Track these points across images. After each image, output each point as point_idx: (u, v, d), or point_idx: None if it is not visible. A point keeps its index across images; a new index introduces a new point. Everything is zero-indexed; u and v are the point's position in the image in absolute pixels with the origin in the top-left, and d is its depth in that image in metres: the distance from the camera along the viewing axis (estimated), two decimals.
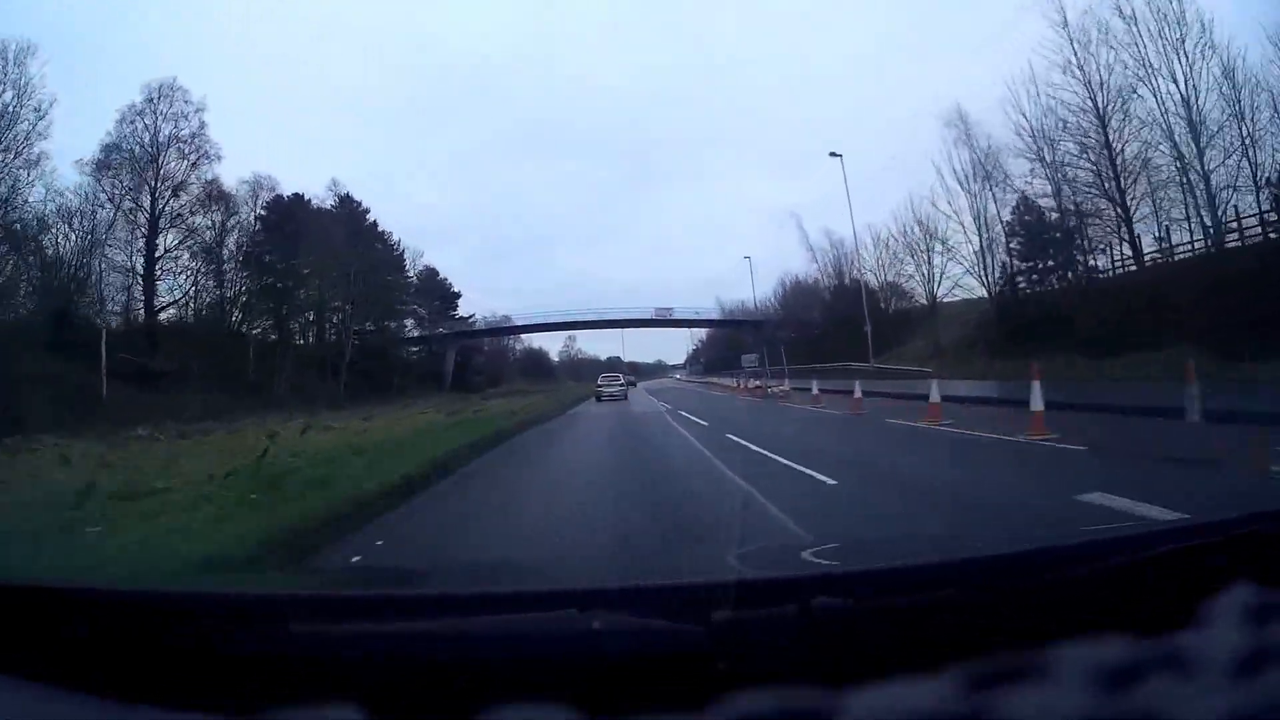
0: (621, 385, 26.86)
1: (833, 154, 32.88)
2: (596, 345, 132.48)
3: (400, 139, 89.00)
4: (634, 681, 0.73)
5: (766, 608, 0.78)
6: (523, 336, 66.54)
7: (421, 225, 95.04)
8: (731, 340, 54.04)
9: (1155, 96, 22.67)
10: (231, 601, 1.00)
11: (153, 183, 32.11)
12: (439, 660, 0.80)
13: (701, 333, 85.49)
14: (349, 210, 44.61)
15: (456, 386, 45.30)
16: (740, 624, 0.76)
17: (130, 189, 31.58)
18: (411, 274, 50.84)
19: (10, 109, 26.92)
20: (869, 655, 0.71)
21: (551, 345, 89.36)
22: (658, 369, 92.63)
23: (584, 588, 1.17)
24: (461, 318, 54.37)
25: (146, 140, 32.10)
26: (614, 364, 63.81)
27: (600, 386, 25.85)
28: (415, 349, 52.00)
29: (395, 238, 48.88)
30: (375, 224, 46.86)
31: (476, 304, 55.90)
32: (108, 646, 0.84)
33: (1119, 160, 23.71)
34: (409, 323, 51.53)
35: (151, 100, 32.23)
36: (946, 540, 1.79)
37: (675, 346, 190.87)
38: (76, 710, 0.72)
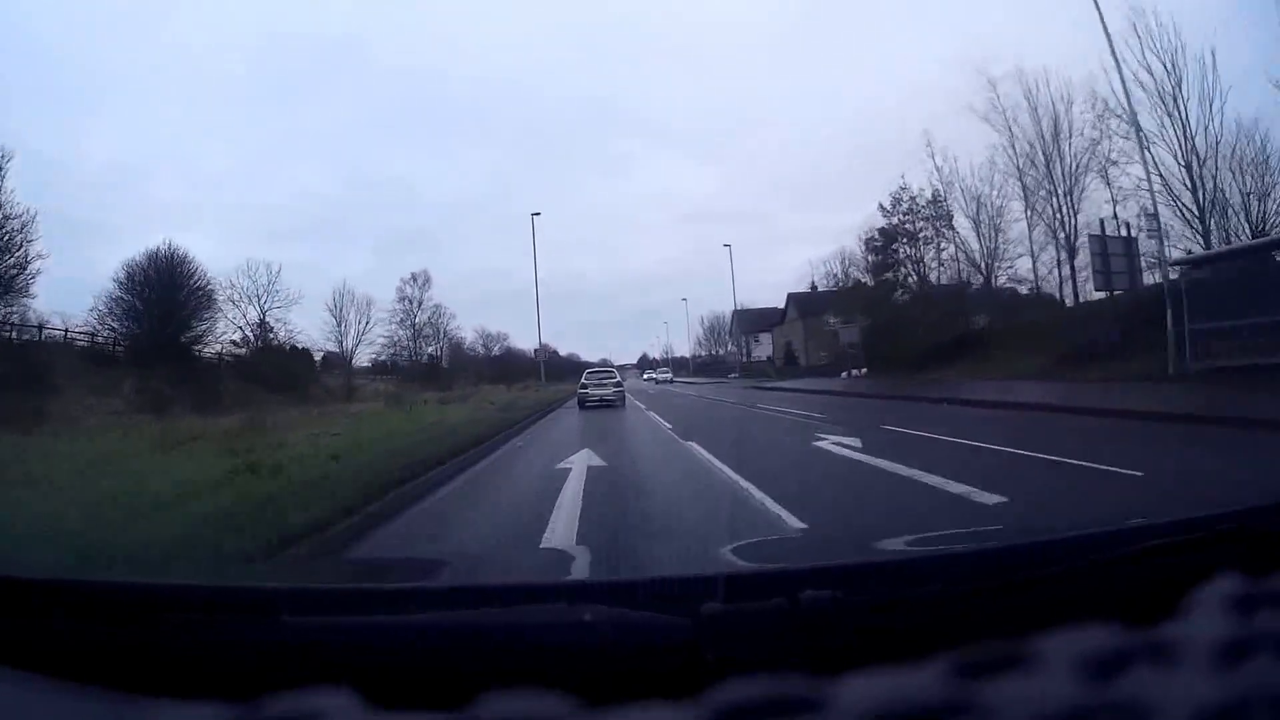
0: (618, 385, 21.65)
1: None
2: (523, 331, 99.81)
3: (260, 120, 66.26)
4: (624, 674, 0.73)
5: (755, 601, 0.79)
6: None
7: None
8: None
9: None
10: (225, 594, 1.00)
11: None
12: (430, 652, 0.80)
13: (678, 327, 70.58)
14: None
15: None
16: (728, 617, 0.77)
17: None
18: None
19: None
20: (857, 648, 0.71)
21: None
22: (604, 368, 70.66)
23: (573, 581, 1.18)
24: None
25: None
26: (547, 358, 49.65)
27: (586, 387, 21.12)
28: None
29: None
30: None
31: None
32: (101, 639, 0.84)
33: None
34: None
35: None
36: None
37: (624, 338, 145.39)
38: (67, 701, 0.71)
